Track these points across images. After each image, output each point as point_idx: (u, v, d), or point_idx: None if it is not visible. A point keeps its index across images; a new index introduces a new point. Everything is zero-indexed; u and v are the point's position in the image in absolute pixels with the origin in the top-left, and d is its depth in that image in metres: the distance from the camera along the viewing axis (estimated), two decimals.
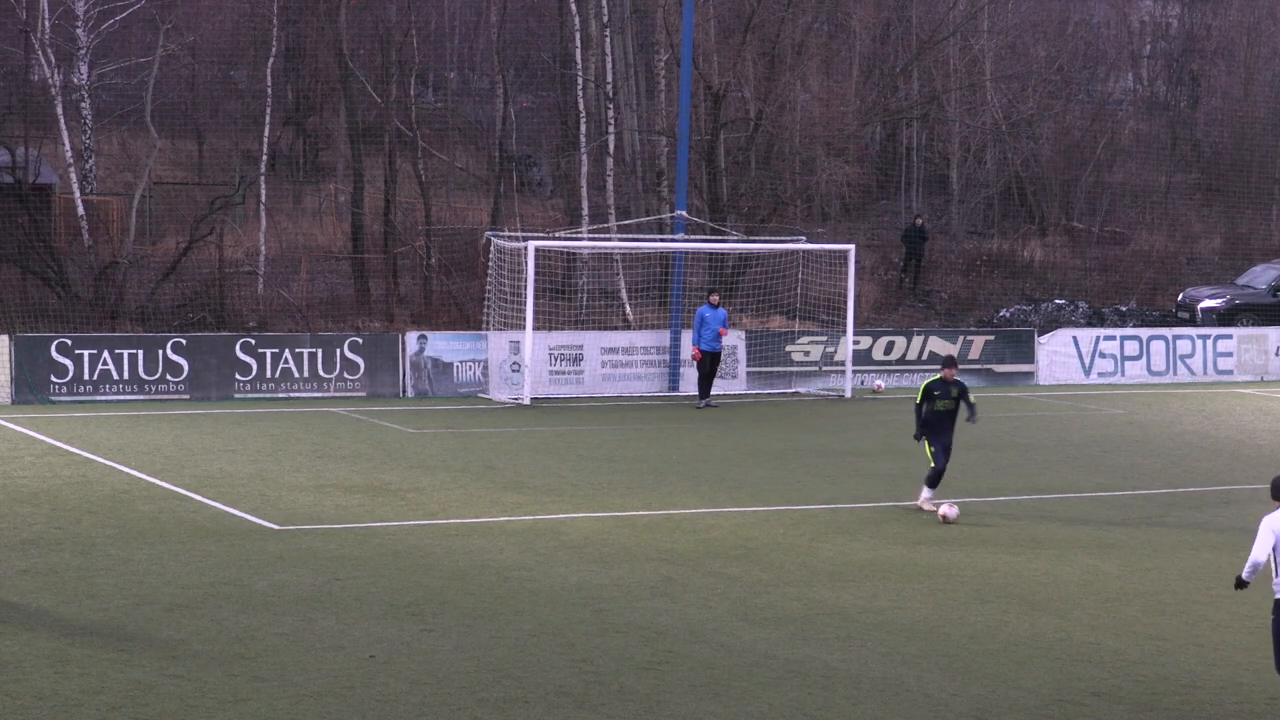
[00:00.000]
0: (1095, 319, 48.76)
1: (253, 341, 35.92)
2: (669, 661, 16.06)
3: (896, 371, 40.65)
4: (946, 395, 23.95)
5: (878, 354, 40.59)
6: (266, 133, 45.76)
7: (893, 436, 32.47)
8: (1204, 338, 43.99)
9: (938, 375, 24.23)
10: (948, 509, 23.38)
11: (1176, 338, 43.68)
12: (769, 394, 39.04)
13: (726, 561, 20.53)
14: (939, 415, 24.01)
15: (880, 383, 39.86)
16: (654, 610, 18.00)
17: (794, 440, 31.83)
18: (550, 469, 27.39)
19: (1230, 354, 43.93)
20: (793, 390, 39.38)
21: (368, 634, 16.75)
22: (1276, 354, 44.34)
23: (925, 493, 24.15)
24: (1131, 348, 43.09)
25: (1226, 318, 47.35)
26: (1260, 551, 13.96)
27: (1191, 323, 47.39)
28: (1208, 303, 48.11)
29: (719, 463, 28.54)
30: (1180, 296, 49.75)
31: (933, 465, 23.97)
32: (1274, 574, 13.96)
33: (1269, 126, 59.54)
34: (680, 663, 16.03)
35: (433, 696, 14.80)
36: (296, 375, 35.91)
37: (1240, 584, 14.34)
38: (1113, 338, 43.19)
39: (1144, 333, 43.78)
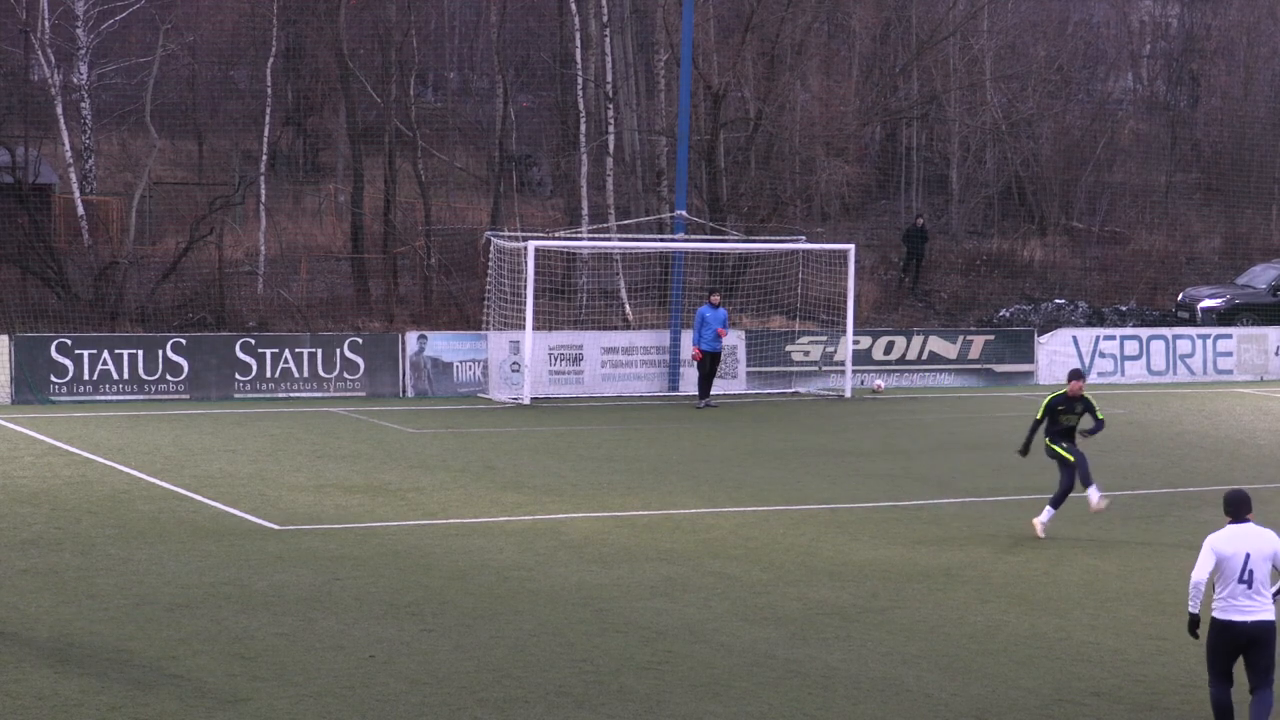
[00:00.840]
0: (1095, 319, 48.73)
1: (253, 341, 35.91)
2: (669, 661, 16.05)
3: (896, 371, 40.65)
4: (1071, 411, 21.98)
5: (878, 354, 40.59)
6: (266, 133, 45.73)
7: (893, 436, 32.49)
8: (1204, 337, 43.98)
9: (1062, 390, 22.08)
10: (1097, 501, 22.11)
11: (1176, 337, 43.67)
12: (769, 394, 39.03)
13: (726, 561, 20.53)
14: (1063, 432, 22.05)
15: (880, 382, 39.84)
16: (654, 610, 17.99)
17: (794, 440, 31.82)
18: (550, 469, 27.38)
19: (1230, 354, 43.91)
20: (793, 390, 39.37)
21: (368, 634, 16.75)
22: (1276, 354, 44.33)
23: (1047, 513, 22.20)
24: (1131, 347, 43.08)
25: (1226, 317, 47.32)
26: (1201, 571, 13.51)
27: (1191, 322, 47.36)
28: (1208, 302, 48.09)
29: (719, 463, 28.53)
30: (1180, 296, 49.72)
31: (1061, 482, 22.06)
32: (1214, 593, 13.65)
33: (1269, 126, 59.51)
34: (680, 663, 16.03)
35: (433, 696, 14.80)
36: (296, 375, 35.91)
37: (1194, 625, 13.72)
38: (1113, 337, 43.19)
39: (1144, 332, 43.78)
